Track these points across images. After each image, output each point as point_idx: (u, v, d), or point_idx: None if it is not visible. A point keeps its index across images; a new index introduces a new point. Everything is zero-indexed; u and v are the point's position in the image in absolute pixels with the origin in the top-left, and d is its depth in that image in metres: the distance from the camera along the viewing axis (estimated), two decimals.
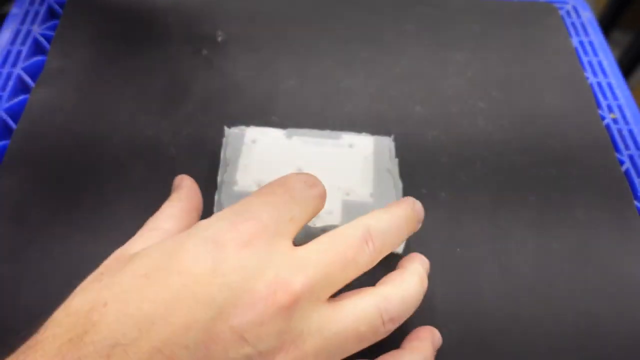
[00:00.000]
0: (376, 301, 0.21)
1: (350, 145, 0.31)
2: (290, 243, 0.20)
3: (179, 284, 0.18)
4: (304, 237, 0.24)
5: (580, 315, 0.27)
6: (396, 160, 0.31)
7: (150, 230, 0.23)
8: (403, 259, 0.24)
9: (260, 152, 0.30)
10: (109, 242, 0.28)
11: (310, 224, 0.27)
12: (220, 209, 0.27)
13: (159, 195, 0.30)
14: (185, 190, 0.26)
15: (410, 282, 0.22)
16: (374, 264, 0.22)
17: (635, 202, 0.32)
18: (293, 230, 0.21)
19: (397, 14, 0.43)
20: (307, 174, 0.23)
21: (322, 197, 0.22)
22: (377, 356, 0.22)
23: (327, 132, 0.32)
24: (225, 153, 0.30)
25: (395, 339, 0.23)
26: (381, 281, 0.22)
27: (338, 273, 0.20)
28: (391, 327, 0.21)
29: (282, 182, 0.22)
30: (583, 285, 0.28)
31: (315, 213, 0.22)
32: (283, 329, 0.18)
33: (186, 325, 0.17)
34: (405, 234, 0.24)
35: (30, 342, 0.18)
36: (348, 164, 0.30)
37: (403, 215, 0.23)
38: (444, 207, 0.31)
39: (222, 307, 0.17)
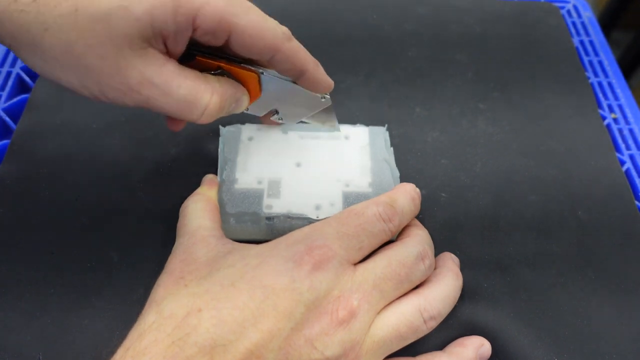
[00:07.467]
0: (417, 303, 0.23)
1: (346, 137, 0.31)
2: (354, 266, 0.23)
3: (263, 296, 0.21)
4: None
5: (581, 316, 0.27)
6: (391, 150, 0.31)
7: (199, 229, 0.25)
8: (436, 259, 0.26)
9: (258, 149, 0.30)
10: (109, 241, 0.28)
11: (314, 216, 0.28)
12: (223, 207, 0.27)
13: (159, 195, 0.30)
14: (207, 186, 0.29)
15: (447, 279, 0.25)
16: (426, 277, 0.25)
17: (636, 202, 0.32)
18: (359, 257, 0.24)
19: (397, 14, 0.43)
20: (387, 205, 0.25)
21: (393, 232, 0.25)
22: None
23: None
24: (223, 152, 0.30)
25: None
26: (421, 283, 0.25)
27: (391, 290, 0.23)
28: (433, 324, 0.24)
29: (359, 213, 0.24)
30: (583, 286, 0.28)
31: (382, 243, 0.24)
32: (344, 338, 0.21)
33: (271, 333, 0.20)
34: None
35: (135, 348, 0.20)
36: (345, 155, 0.30)
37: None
38: (444, 208, 0.31)
39: (298, 319, 0.21)
